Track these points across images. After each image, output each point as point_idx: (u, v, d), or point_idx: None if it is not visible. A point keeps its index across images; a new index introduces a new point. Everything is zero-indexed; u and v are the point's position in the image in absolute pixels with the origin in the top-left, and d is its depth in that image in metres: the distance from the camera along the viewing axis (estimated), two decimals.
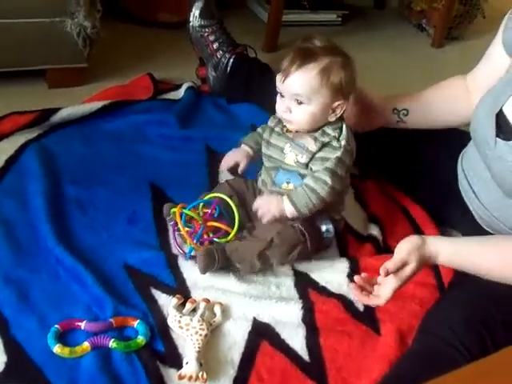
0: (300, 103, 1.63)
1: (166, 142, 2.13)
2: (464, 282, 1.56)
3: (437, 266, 1.70)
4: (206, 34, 2.38)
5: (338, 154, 1.64)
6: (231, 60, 2.38)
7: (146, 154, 2.06)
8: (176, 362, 1.45)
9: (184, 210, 1.67)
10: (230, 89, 2.39)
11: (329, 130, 1.66)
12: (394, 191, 2.02)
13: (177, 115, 2.22)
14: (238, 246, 1.67)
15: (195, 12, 2.37)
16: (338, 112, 1.65)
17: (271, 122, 1.75)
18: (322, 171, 1.64)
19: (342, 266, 1.72)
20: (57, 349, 1.42)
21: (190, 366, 1.41)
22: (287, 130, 1.70)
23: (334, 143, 1.65)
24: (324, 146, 1.65)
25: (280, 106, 1.66)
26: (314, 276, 1.70)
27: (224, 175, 1.92)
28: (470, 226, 1.75)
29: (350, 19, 3.31)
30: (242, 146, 1.82)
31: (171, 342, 1.49)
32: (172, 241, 1.74)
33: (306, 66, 1.60)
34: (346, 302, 1.63)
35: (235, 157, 1.81)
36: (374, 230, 1.86)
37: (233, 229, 1.69)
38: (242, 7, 3.25)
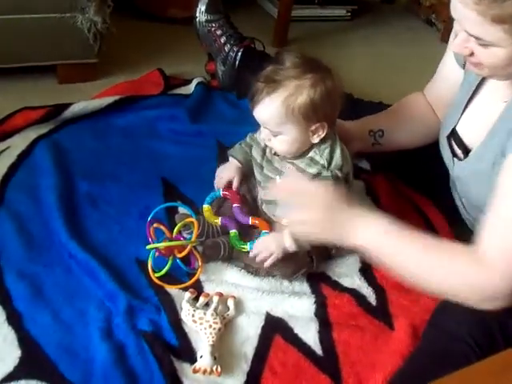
0: (274, 135, 1.57)
1: (176, 137, 2.13)
2: None
3: None
4: (212, 29, 2.38)
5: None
6: (239, 54, 2.37)
7: (157, 149, 2.06)
8: (190, 355, 1.45)
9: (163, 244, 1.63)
10: (239, 82, 2.38)
11: (317, 156, 1.58)
12: (404, 187, 2.02)
13: (187, 110, 2.22)
14: (245, 254, 1.65)
15: (201, 7, 2.37)
16: (321, 133, 1.56)
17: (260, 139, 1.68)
18: None
19: (354, 260, 1.72)
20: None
21: (203, 359, 1.41)
22: (275, 153, 1.64)
23: (325, 173, 1.57)
24: (314, 177, 1.58)
25: (261, 132, 1.62)
26: (327, 270, 1.70)
27: None
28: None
29: (359, 14, 3.31)
30: (231, 159, 1.79)
31: (185, 336, 1.49)
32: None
33: (269, 96, 1.53)
34: (358, 297, 1.63)
35: (227, 175, 1.78)
36: None
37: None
38: (251, 3, 3.25)
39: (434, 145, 1.87)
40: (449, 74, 1.72)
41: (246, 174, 1.79)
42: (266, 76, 1.55)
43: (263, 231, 1.67)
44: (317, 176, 1.58)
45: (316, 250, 1.64)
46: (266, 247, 1.60)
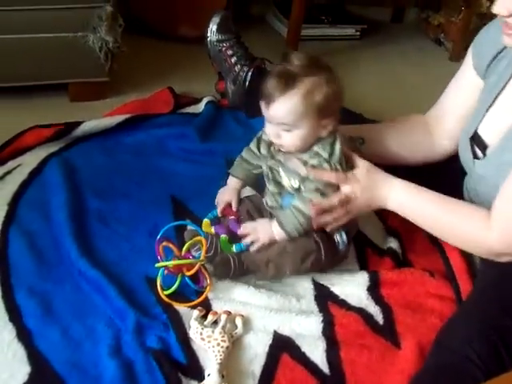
0: (288, 130, 1.61)
1: (186, 156, 2.15)
2: (480, 295, 1.57)
3: (455, 280, 1.71)
4: (223, 49, 2.39)
5: None
6: (249, 74, 2.38)
7: (167, 168, 2.08)
8: (198, 373, 1.46)
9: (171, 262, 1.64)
10: (248, 102, 2.39)
11: (319, 149, 1.63)
12: None
13: (197, 129, 2.24)
14: (253, 254, 1.68)
15: (212, 27, 2.38)
16: (330, 127, 1.63)
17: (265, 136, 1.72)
18: (310, 191, 1.63)
19: (362, 279, 1.72)
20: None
21: (211, 377, 1.42)
22: (279, 149, 1.68)
23: (325, 165, 1.63)
24: (314, 167, 1.63)
25: (269, 130, 1.65)
26: (334, 289, 1.70)
27: (243, 191, 1.89)
28: None
29: (369, 33, 3.33)
30: (230, 178, 1.82)
31: (193, 354, 1.50)
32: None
33: (288, 93, 1.57)
34: (366, 316, 1.63)
35: (225, 198, 1.80)
36: (393, 244, 1.86)
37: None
38: (261, 22, 3.28)
39: (436, 167, 1.89)
40: (466, 85, 1.77)
41: (254, 183, 1.85)
42: (280, 73, 1.59)
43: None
44: (317, 167, 1.63)
45: (322, 236, 1.68)
46: (253, 229, 1.67)
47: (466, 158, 1.70)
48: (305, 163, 1.64)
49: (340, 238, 1.72)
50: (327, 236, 1.70)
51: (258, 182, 1.83)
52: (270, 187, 1.73)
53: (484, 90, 1.69)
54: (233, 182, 1.82)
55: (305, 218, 1.63)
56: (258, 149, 1.76)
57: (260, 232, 1.67)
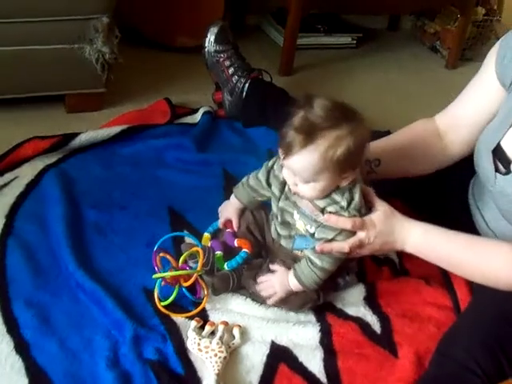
0: (306, 182, 1.50)
1: (183, 166, 2.15)
2: (480, 304, 1.57)
3: (453, 288, 1.71)
4: (221, 60, 2.39)
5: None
6: (246, 85, 2.39)
7: (164, 178, 2.08)
8: None
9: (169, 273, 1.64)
10: (245, 113, 2.40)
11: (337, 196, 1.53)
12: (409, 213, 2.02)
13: (194, 139, 2.24)
14: (253, 284, 1.67)
15: (210, 37, 2.38)
16: (350, 178, 1.52)
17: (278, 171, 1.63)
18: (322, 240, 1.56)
19: (359, 289, 1.73)
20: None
21: None
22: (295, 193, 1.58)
23: (342, 213, 1.53)
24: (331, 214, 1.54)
25: (286, 177, 1.55)
26: (332, 299, 1.70)
27: None
28: None
29: (364, 42, 3.34)
30: (232, 198, 1.77)
31: (190, 365, 1.50)
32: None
33: (307, 147, 1.44)
34: (363, 325, 1.64)
35: (226, 214, 1.78)
36: (391, 253, 1.86)
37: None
38: (257, 31, 3.28)
39: (442, 170, 1.88)
40: (486, 93, 1.70)
41: (257, 207, 1.78)
42: (300, 125, 1.45)
43: (242, 251, 1.70)
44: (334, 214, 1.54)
45: (323, 284, 1.63)
46: (270, 285, 1.63)
47: (486, 169, 1.63)
48: (322, 210, 1.55)
49: (343, 281, 1.71)
50: (328, 280, 1.65)
51: (260, 205, 1.78)
52: (279, 229, 1.67)
53: (508, 102, 1.61)
54: (235, 202, 1.77)
55: (322, 271, 1.58)
56: (268, 183, 1.67)
57: (277, 286, 1.62)
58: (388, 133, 2.16)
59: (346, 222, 1.53)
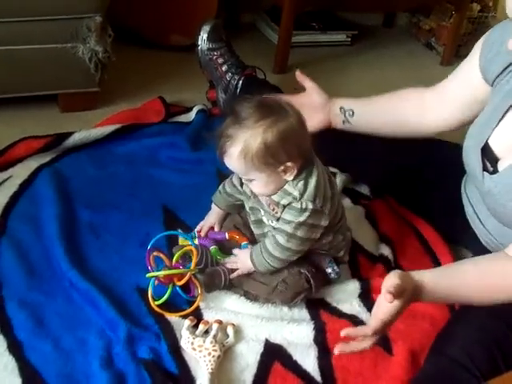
0: (248, 181, 1.58)
1: (177, 165, 2.15)
2: None
3: None
4: (214, 57, 2.39)
5: (301, 218, 1.54)
6: (240, 82, 2.38)
7: (158, 177, 2.08)
8: (189, 383, 1.46)
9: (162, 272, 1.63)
10: None
11: (290, 187, 1.55)
12: (404, 211, 2.02)
13: (188, 138, 2.24)
14: (245, 281, 1.68)
15: (203, 35, 2.37)
16: (293, 171, 1.53)
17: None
18: (278, 231, 1.58)
19: (354, 286, 1.73)
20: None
21: None
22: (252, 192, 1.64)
23: (296, 204, 1.54)
24: (286, 207, 1.56)
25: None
26: (326, 297, 1.71)
27: None
28: (480, 248, 1.74)
29: (359, 39, 3.33)
30: (212, 205, 1.81)
31: (184, 364, 1.50)
32: None
33: (227, 153, 1.51)
34: (357, 322, 1.63)
35: (209, 222, 1.81)
36: (385, 250, 1.87)
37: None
38: (251, 29, 3.27)
39: (434, 169, 1.89)
40: (468, 82, 1.72)
41: (237, 211, 1.81)
42: (222, 131, 1.53)
43: (243, 243, 1.71)
44: (289, 207, 1.55)
45: (314, 275, 1.65)
46: (234, 261, 1.69)
47: (474, 166, 1.62)
48: (277, 204, 1.57)
49: (332, 269, 1.71)
50: (317, 268, 1.68)
51: (241, 209, 1.79)
52: (253, 227, 1.72)
53: (494, 99, 1.60)
54: (216, 209, 1.81)
55: (272, 257, 1.60)
56: (242, 186, 1.70)
57: (239, 264, 1.67)
58: None
59: (365, 331, 1.41)
